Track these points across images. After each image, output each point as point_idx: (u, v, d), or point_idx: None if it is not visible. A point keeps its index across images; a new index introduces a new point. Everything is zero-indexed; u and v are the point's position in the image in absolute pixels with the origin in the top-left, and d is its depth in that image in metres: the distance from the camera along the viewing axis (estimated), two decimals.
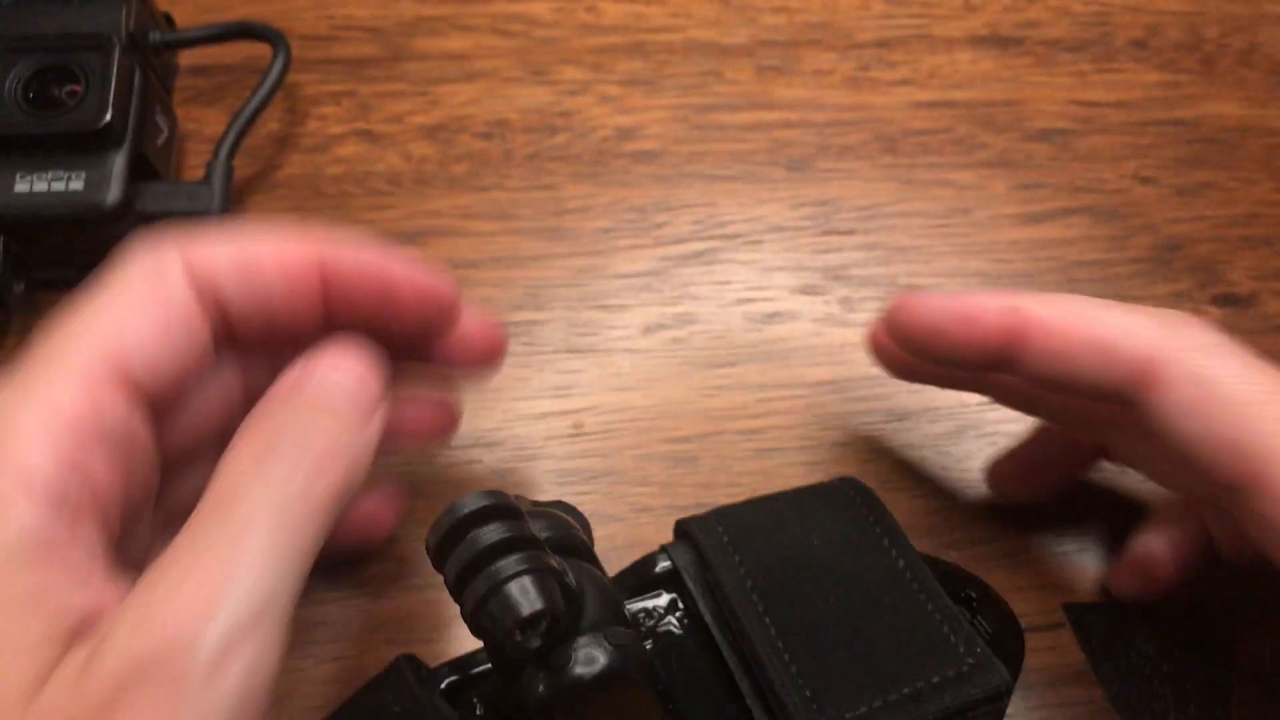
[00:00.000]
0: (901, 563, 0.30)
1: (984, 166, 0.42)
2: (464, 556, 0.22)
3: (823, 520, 0.31)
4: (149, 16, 0.41)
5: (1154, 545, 0.32)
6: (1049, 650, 0.34)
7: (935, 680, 0.27)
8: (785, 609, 0.29)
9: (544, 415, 0.38)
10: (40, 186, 0.37)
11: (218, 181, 0.39)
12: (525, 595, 0.22)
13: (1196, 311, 0.39)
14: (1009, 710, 0.31)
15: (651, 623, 0.31)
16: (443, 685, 0.29)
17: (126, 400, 0.24)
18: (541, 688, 0.23)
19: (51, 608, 0.21)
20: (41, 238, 0.38)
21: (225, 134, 0.40)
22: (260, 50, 0.42)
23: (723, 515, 0.31)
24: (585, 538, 0.28)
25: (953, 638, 0.28)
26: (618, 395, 0.38)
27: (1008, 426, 0.37)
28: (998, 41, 0.45)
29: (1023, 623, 0.31)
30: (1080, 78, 0.44)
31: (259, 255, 0.26)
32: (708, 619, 0.30)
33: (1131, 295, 0.40)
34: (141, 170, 0.39)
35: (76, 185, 0.37)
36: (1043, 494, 0.35)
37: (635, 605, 0.30)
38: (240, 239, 0.26)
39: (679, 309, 0.40)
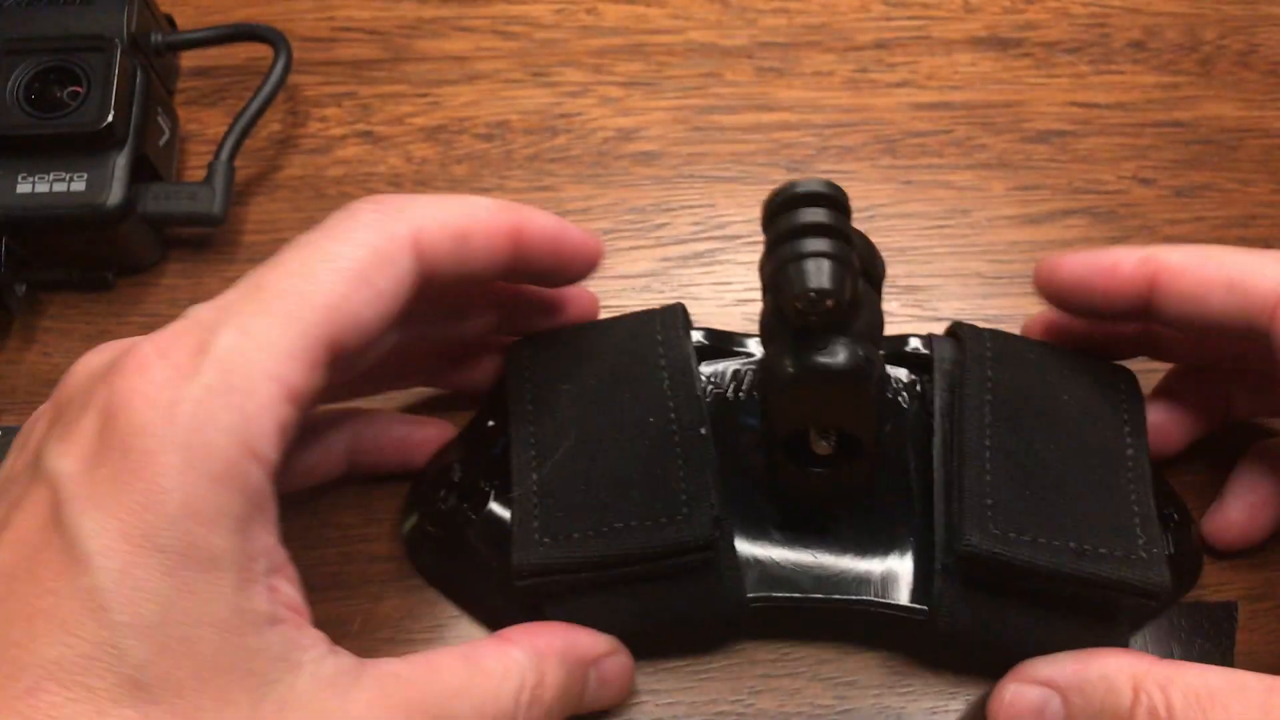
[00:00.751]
0: (1130, 450, 0.31)
1: (983, 168, 0.43)
2: (784, 225, 0.24)
3: (1080, 384, 0.32)
4: (151, 18, 0.42)
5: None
6: None
7: (1102, 551, 0.29)
8: (1007, 433, 0.31)
9: None
10: (42, 188, 0.37)
11: (219, 183, 0.39)
12: (818, 274, 0.23)
13: None
14: None
15: (886, 385, 0.33)
16: (696, 342, 0.33)
17: (329, 371, 0.26)
18: (789, 364, 0.25)
19: (260, 552, 0.24)
20: (43, 239, 0.38)
21: (226, 135, 0.40)
22: (261, 52, 0.42)
23: (998, 336, 0.33)
24: (880, 273, 0.30)
25: (1139, 528, 0.30)
26: None
27: None
28: (997, 43, 0.45)
29: None
30: (1079, 79, 0.44)
31: (472, 226, 0.28)
32: (936, 408, 0.32)
33: None
34: (143, 171, 0.39)
35: (78, 186, 0.37)
36: (1167, 453, 0.35)
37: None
38: (455, 208, 0.28)
39: None
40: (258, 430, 0.24)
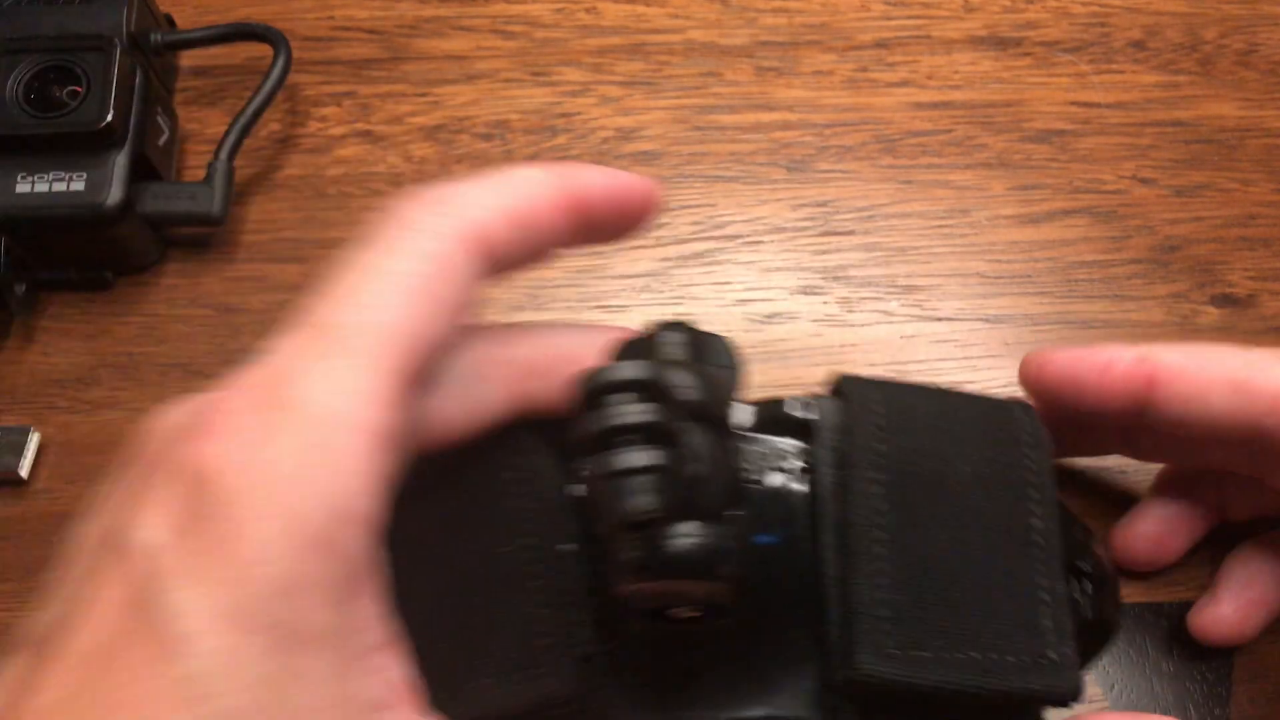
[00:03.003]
0: (1038, 524, 0.28)
1: (983, 167, 0.43)
2: (595, 425, 0.22)
3: (979, 446, 0.29)
4: (150, 17, 0.41)
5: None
6: None
7: (1009, 659, 0.26)
8: (901, 523, 0.27)
9: None
10: (42, 187, 0.37)
11: (219, 182, 0.39)
12: (641, 493, 0.21)
13: (1195, 312, 0.39)
14: None
15: (765, 462, 0.28)
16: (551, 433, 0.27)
17: (414, 400, 0.23)
18: (632, 559, 0.22)
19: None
20: (43, 238, 0.38)
21: (226, 135, 0.40)
22: (261, 51, 0.42)
23: (888, 391, 0.29)
24: (730, 390, 0.26)
25: (1048, 624, 0.27)
26: None
27: None
28: (997, 42, 0.45)
29: None
30: (1079, 79, 0.44)
31: (531, 208, 0.25)
32: (824, 488, 0.27)
33: (1130, 296, 0.40)
34: (142, 171, 0.39)
35: (78, 186, 0.37)
36: (1166, 561, 0.34)
37: (760, 440, 0.28)
38: (508, 190, 0.25)
39: (679, 310, 0.40)
40: (356, 488, 0.21)
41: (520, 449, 0.27)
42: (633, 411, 0.22)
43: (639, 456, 0.21)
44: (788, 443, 0.28)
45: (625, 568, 0.22)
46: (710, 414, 0.24)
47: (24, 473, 0.36)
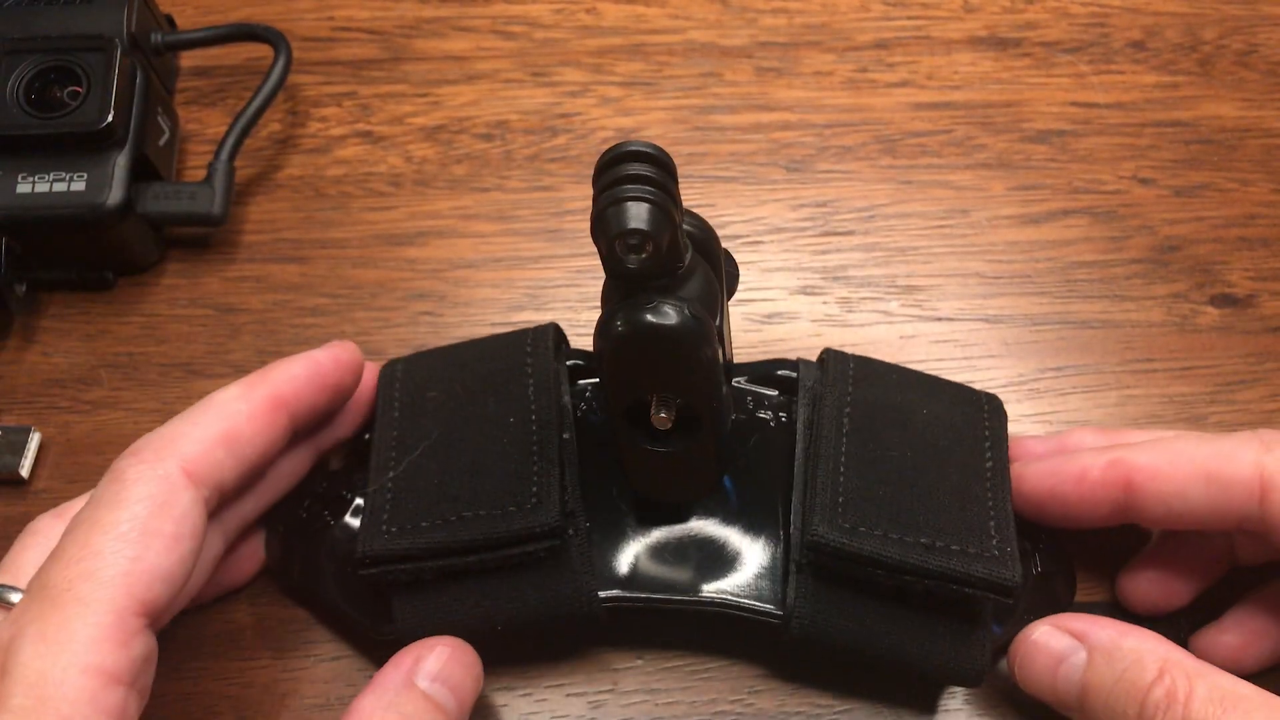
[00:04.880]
0: (990, 464, 0.31)
1: (983, 168, 0.43)
2: (609, 175, 0.24)
3: (943, 403, 0.33)
4: (150, 18, 0.42)
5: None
6: None
7: (954, 547, 0.29)
8: (864, 440, 0.31)
9: None
10: (42, 187, 0.37)
11: (219, 182, 0.39)
12: (637, 215, 0.24)
13: (1195, 312, 0.39)
14: None
15: (752, 406, 0.34)
16: (569, 361, 0.34)
17: (151, 630, 0.26)
18: (619, 323, 0.26)
19: None
20: (43, 238, 0.38)
21: (226, 135, 0.40)
22: (262, 51, 0.42)
23: (861, 360, 0.33)
24: (725, 269, 0.30)
25: (993, 529, 0.30)
26: None
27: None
28: (996, 43, 0.45)
29: None
30: (1078, 79, 0.44)
31: (233, 424, 0.29)
32: (799, 422, 0.32)
33: (1130, 296, 0.40)
34: (143, 171, 0.39)
35: (78, 186, 0.37)
36: (1172, 606, 0.33)
37: (750, 387, 0.34)
38: (209, 417, 0.29)
39: None
40: None
41: (544, 353, 0.33)
42: (643, 166, 0.24)
43: (642, 189, 0.24)
44: (774, 394, 0.34)
45: (617, 324, 0.26)
46: (708, 249, 0.28)
47: (24, 472, 0.36)
